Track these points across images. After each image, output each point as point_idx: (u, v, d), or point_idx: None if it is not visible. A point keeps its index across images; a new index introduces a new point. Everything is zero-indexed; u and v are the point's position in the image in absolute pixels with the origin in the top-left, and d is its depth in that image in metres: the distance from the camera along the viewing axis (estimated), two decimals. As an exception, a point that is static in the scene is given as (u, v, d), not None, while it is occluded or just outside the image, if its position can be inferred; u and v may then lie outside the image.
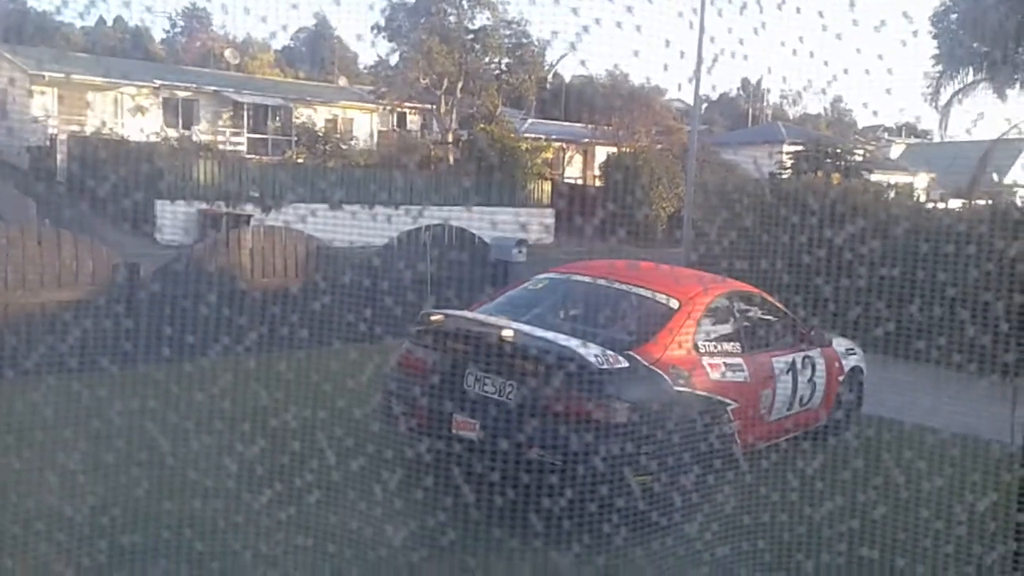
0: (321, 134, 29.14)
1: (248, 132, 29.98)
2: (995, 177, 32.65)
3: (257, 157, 27.19)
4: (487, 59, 30.15)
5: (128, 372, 5.97)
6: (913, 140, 47.26)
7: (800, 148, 25.91)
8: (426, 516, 4.26)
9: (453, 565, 4.16)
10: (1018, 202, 13.22)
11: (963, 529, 4.19)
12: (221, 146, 27.66)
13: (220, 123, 29.90)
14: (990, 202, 14.56)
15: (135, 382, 5.50)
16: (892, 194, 13.37)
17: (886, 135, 45.62)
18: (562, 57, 34.52)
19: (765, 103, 57.15)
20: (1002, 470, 4.77)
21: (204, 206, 19.66)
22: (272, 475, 4.48)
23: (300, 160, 26.53)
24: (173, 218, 19.32)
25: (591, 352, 4.75)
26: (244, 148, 29.04)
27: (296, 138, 29.61)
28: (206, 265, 8.24)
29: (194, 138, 27.31)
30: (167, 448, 4.64)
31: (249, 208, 19.75)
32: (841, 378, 6.90)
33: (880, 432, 6.22)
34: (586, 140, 34.01)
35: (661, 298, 5.68)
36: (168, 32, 55.79)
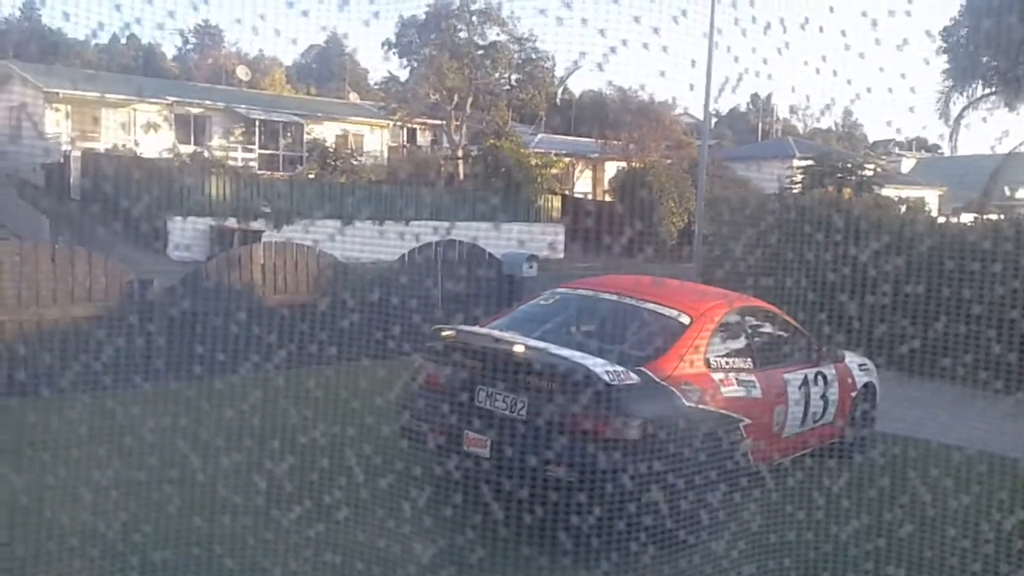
0: (332, 150, 29.32)
1: (260, 148, 30.18)
2: (1007, 191, 32.52)
3: (268, 173, 27.36)
4: (497, 75, 30.30)
5: (142, 388, 5.99)
6: (924, 154, 47.15)
7: (810, 163, 25.88)
8: (437, 533, 4.25)
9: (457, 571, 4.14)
10: (1031, 216, 13.16)
11: (976, 546, 4.15)
12: (233, 162, 27.85)
13: (232, 139, 30.13)
14: (1002, 216, 14.50)
15: (150, 398, 5.52)
16: (904, 209, 13.34)
17: (897, 149, 45.50)
18: (572, 72, 34.62)
19: (775, 117, 57.20)
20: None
21: (216, 222, 19.76)
22: (282, 491, 4.48)
23: (311, 176, 26.67)
24: (185, 234, 19.43)
25: (602, 368, 4.73)
26: (256, 164, 29.22)
27: (307, 154, 29.81)
28: (218, 281, 8.28)
29: (206, 154, 27.51)
30: (196, 464, 4.65)
31: (260, 224, 19.86)
32: (854, 394, 6.85)
33: (894, 449, 6.18)
34: (596, 155, 34.08)
35: (673, 313, 5.66)
36: (180, 49, 56.37)
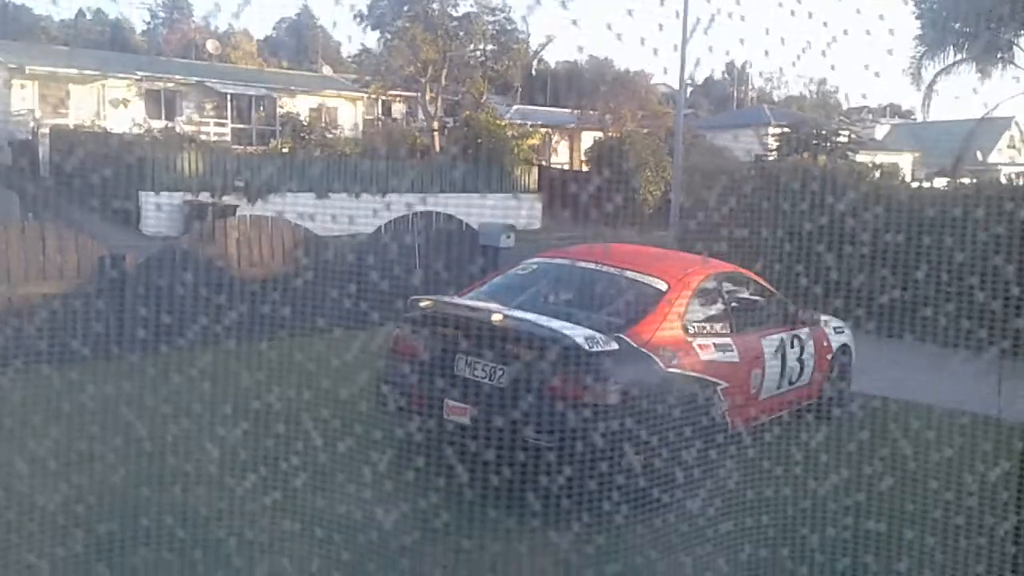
0: (306, 123, 28.98)
1: (232, 122, 29.78)
2: (979, 156, 32.83)
3: (241, 147, 27.02)
4: (471, 46, 30.00)
5: (115, 363, 5.94)
6: (897, 120, 47.44)
7: (786, 130, 25.96)
8: (420, 500, 4.27)
9: (448, 547, 4.17)
10: (1003, 180, 13.31)
11: (959, 498, 4.23)
12: (205, 137, 27.45)
13: (203, 114, 29.69)
14: (974, 181, 14.63)
15: (124, 373, 5.47)
16: (878, 174, 13.40)
17: (871, 116, 45.72)
18: (547, 43, 34.44)
19: (750, 86, 57.19)
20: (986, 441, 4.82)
21: (189, 197, 19.53)
22: (260, 461, 4.48)
23: (285, 150, 26.37)
24: (158, 210, 19.20)
25: (582, 335, 4.75)
26: (228, 138, 28.85)
27: (280, 128, 29.45)
28: (193, 255, 8.20)
29: (177, 129, 27.12)
30: (162, 436, 4.62)
31: (234, 198, 19.65)
32: (830, 356, 6.94)
33: (871, 409, 6.27)
34: (572, 126, 33.96)
35: (650, 280, 5.69)
36: (149, 24, 55.29)
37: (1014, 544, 3.73)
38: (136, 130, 25.64)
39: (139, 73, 28.60)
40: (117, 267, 7.70)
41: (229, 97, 29.77)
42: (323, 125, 29.63)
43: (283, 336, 5.66)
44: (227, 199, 19.60)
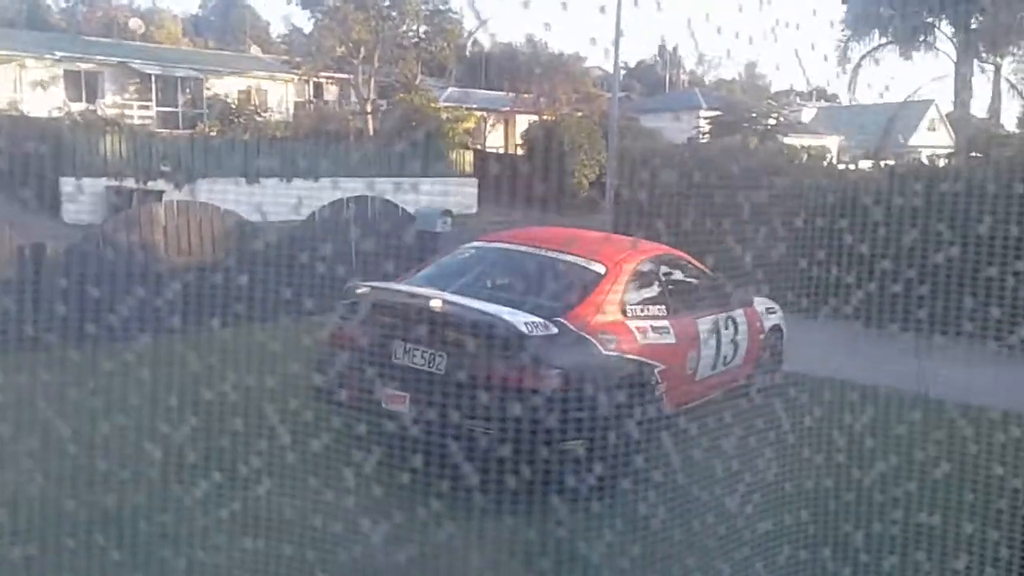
0: (234, 106, 28.28)
1: (157, 105, 28.89)
2: (901, 139, 33.85)
3: (167, 131, 26.25)
4: (404, 27, 29.64)
5: (38, 355, 5.69)
6: (823, 104, 48.55)
7: (717, 113, 26.35)
8: (359, 492, 4.20)
9: (388, 538, 4.12)
10: (924, 161, 13.73)
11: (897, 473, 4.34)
12: (128, 120, 26.59)
13: (126, 96, 28.73)
14: (893, 163, 15.08)
15: (44, 365, 5.24)
16: (806, 156, 13.71)
17: (798, 99, 46.71)
18: (481, 25, 34.24)
19: (682, 69, 57.85)
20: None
21: (112, 183, 18.87)
22: (192, 458, 4.35)
23: (213, 133, 25.70)
24: (79, 196, 18.51)
25: (521, 320, 4.73)
26: (153, 122, 27.99)
27: (208, 110, 28.68)
28: (117, 244, 7.92)
29: (99, 112, 26.19)
30: (82, 432, 4.45)
31: (161, 184, 19.07)
32: (762, 336, 7.06)
33: (803, 387, 6.39)
34: (507, 109, 33.89)
35: (587, 264, 5.70)
36: (68, 1, 53.12)
37: (930, 515, 3.84)
38: (56, 113, 24.68)
39: (58, 53, 27.52)
40: (36, 257, 7.39)
41: (153, 78, 28.86)
42: (252, 108, 28.98)
43: (212, 327, 5.49)
44: (153, 185, 19.01)
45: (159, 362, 4.72)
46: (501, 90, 34.34)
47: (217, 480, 4.13)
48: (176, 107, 29.36)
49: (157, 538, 4.01)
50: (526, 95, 31.64)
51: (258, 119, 27.98)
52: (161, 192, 17.84)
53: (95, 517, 4.10)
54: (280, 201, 14.33)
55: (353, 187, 14.94)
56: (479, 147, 30.69)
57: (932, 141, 34.13)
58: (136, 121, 27.16)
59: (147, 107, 28.64)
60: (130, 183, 18.79)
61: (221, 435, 4.25)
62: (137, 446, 4.37)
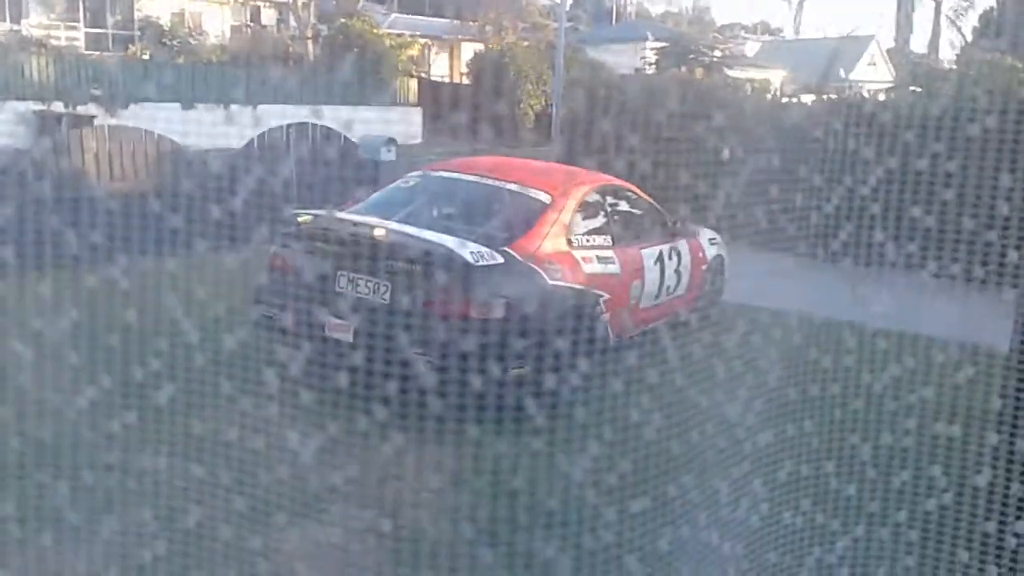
0: (167, 28, 27.10)
1: (85, 26, 27.52)
2: (842, 73, 34.17)
3: (97, 53, 25.08)
4: (345, -52, 28.62)
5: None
6: (768, 38, 48.64)
7: (663, 45, 26.18)
8: (301, 421, 4.18)
9: (326, 460, 4.13)
10: (865, 95, 13.88)
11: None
12: (55, 41, 25.31)
13: (52, 16, 27.29)
14: (835, 96, 15.21)
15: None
16: (750, 89, 13.76)
17: (743, 32, 46.70)
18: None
19: (629, 1, 57.14)
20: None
21: (40, 107, 18.05)
22: (127, 391, 4.27)
23: (146, 56, 24.65)
24: (4, 120, 17.68)
25: (466, 249, 4.71)
26: (82, 44, 26.71)
27: (140, 33, 27.44)
28: (45, 169, 7.60)
29: (24, 32, 24.88)
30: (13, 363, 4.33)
31: (92, 108, 18.30)
32: (704, 267, 7.16)
33: (743, 317, 6.52)
34: (452, 37, 33.17)
35: (533, 194, 5.67)
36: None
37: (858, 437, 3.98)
38: (-25, 33, 23.42)
39: (-25, -31, 25.93)
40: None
41: (81, -2, 27.46)
42: (186, 30, 27.80)
43: (147, 257, 5.35)
44: (84, 109, 18.23)
45: (87, 291, 4.59)
46: (446, 17, 33.53)
47: (151, 408, 4.07)
48: (106, 28, 28.03)
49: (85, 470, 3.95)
50: (471, 22, 30.97)
51: (192, 43, 26.89)
52: (92, 117, 17.14)
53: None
54: (217, 127, 13.90)
55: (293, 114, 14.56)
56: (423, 75, 30.05)
57: (872, 76, 34.53)
58: (63, 43, 25.88)
59: (75, 28, 27.27)
60: (59, 107, 17.99)
61: (151, 363, 4.16)
62: (74, 378, 4.27)
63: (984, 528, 3.40)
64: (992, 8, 28.21)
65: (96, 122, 15.69)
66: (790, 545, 3.68)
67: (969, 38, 31.67)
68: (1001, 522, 3.36)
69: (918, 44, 34.82)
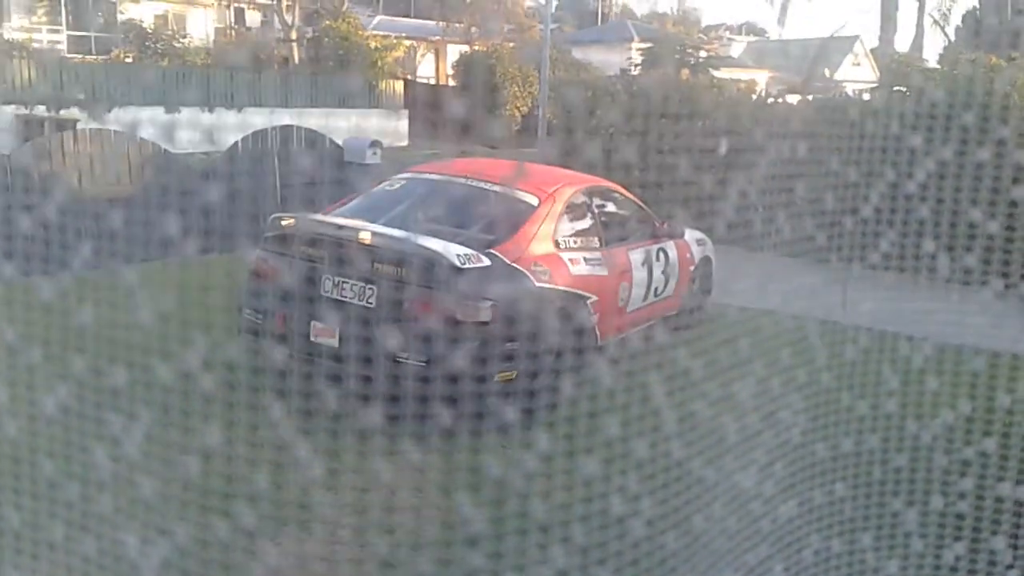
0: (151, 31, 26.91)
1: (68, 29, 27.32)
2: (827, 73, 34.33)
3: (80, 56, 24.89)
4: (329, -50, 28.49)
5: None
6: (753, 38, 48.79)
7: (649, 46, 26.21)
8: (291, 425, 4.14)
9: (314, 463, 4.08)
10: (850, 94, 13.93)
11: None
12: (37, 45, 25.10)
13: (34, 19, 27.07)
14: (819, 96, 15.27)
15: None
16: (736, 90, 13.76)
17: (728, 33, 46.82)
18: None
19: (614, 1, 57.20)
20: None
21: (22, 111, 17.88)
22: (112, 397, 4.21)
23: (129, 60, 24.47)
24: (-14, 125, 17.53)
25: (452, 252, 4.67)
26: (64, 47, 26.51)
27: (124, 36, 27.24)
28: (27, 174, 7.52)
29: (5, 35, 24.65)
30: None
31: (75, 112, 18.14)
32: (692, 268, 7.15)
33: (732, 317, 6.51)
34: (437, 38, 33.11)
35: (520, 195, 5.64)
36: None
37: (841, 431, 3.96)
38: (-44, 36, 23.19)
39: (-45, -29, 25.71)
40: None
41: (63, 1, 27.20)
42: (170, 33, 27.61)
43: (132, 261, 5.29)
44: (66, 113, 18.07)
45: (72, 297, 4.53)
46: (431, 19, 33.46)
47: (144, 413, 4.01)
48: (89, 32, 27.82)
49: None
50: (457, 24, 30.91)
51: (176, 46, 26.71)
52: (75, 121, 16.99)
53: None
54: (201, 131, 13.80)
55: (278, 117, 14.50)
56: (409, 77, 29.96)
57: (856, 76, 34.68)
58: (45, 46, 25.67)
59: (57, 31, 27.06)
60: (42, 111, 17.84)
61: (138, 370, 4.11)
62: (41, 384, 4.21)
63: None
64: (975, 8, 28.41)
65: (79, 126, 15.56)
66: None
67: (952, 37, 31.88)
68: None
69: (901, 43, 34.97)
